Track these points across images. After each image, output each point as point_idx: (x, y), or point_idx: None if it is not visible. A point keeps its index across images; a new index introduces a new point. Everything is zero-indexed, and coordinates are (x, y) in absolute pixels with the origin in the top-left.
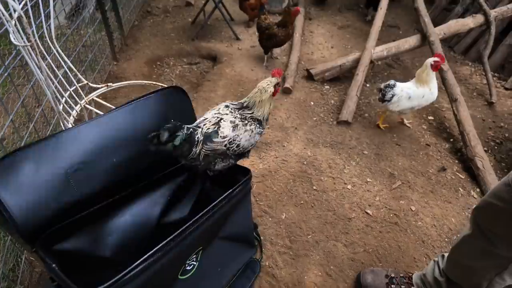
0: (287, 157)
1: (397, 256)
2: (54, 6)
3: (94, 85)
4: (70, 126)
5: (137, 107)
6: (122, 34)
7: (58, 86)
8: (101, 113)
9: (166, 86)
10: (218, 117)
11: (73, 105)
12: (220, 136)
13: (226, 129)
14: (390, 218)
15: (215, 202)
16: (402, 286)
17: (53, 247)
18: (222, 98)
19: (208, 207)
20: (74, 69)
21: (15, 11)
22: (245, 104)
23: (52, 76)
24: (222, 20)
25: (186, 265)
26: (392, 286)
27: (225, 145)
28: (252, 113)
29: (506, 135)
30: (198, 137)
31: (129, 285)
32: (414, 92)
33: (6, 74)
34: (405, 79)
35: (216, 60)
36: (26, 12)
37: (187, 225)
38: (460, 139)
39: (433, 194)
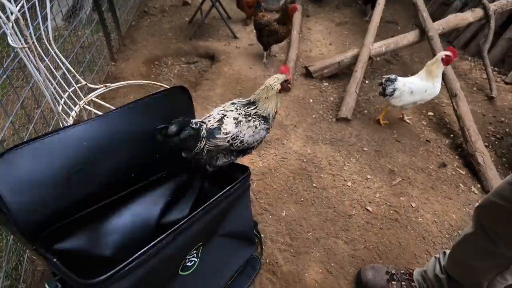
0: (287, 155)
1: (398, 253)
2: (51, 8)
3: (93, 86)
4: None
5: (139, 107)
6: (120, 34)
7: (57, 87)
8: (100, 113)
9: (165, 86)
10: (222, 114)
11: (72, 106)
12: (223, 133)
13: (228, 126)
14: (390, 215)
15: (213, 199)
16: (403, 283)
17: (52, 246)
18: (220, 97)
19: (206, 204)
20: (73, 70)
21: (12, 13)
22: (252, 101)
23: (50, 78)
24: (219, 18)
25: (187, 261)
26: (392, 282)
27: (228, 141)
28: (258, 109)
29: (507, 130)
30: (202, 133)
31: (128, 277)
32: (417, 87)
33: (4, 77)
34: (404, 75)
35: (214, 59)
36: (23, 14)
37: (184, 220)
38: (460, 135)
39: (434, 190)
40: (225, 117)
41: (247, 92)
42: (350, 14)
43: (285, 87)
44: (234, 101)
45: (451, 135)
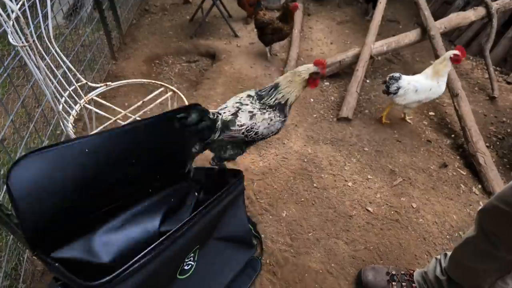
0: (287, 155)
1: (398, 253)
2: (52, 6)
3: (93, 85)
4: (70, 125)
5: (148, 126)
6: (121, 33)
7: (58, 86)
8: (101, 112)
9: (165, 84)
10: (237, 107)
11: (72, 104)
12: (238, 125)
13: (243, 118)
14: (391, 215)
15: (209, 201)
16: (403, 283)
17: (52, 252)
18: (221, 96)
19: (202, 207)
20: (73, 68)
21: (12, 11)
22: (274, 84)
23: (51, 76)
24: (220, 17)
25: (184, 265)
26: (393, 283)
27: (243, 133)
28: (277, 92)
29: (508, 130)
30: (218, 124)
31: (129, 280)
32: (422, 85)
33: (5, 75)
34: (405, 74)
35: (215, 58)
36: (24, 12)
37: (183, 223)
38: (462, 135)
39: (434, 191)
40: (240, 111)
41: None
42: (351, 13)
43: (314, 80)
44: (251, 93)
45: (452, 135)
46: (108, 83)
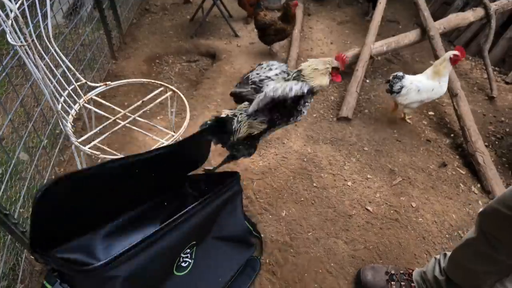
0: (287, 154)
1: (398, 253)
2: (51, 5)
3: (93, 84)
4: (69, 125)
5: (170, 152)
6: (121, 32)
7: (57, 86)
8: (100, 112)
9: (165, 84)
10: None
11: (72, 104)
12: (271, 90)
13: (271, 85)
14: (390, 215)
15: (204, 198)
16: (402, 283)
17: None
18: (221, 96)
19: (197, 202)
20: (73, 68)
21: (11, 11)
22: (297, 70)
23: (50, 76)
24: (220, 17)
25: (181, 261)
26: (392, 283)
27: (276, 98)
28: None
29: (507, 129)
30: (234, 126)
31: (123, 266)
32: (424, 85)
33: (4, 74)
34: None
35: (215, 58)
36: (23, 11)
37: (177, 216)
38: (461, 134)
39: (434, 190)
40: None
41: None
42: (351, 13)
43: (333, 74)
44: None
45: (452, 135)
46: (107, 82)
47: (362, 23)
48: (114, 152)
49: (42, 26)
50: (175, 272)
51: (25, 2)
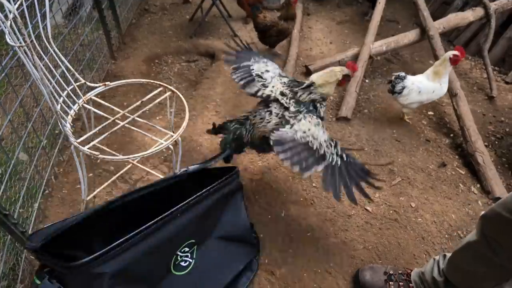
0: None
1: (397, 253)
2: (50, 6)
3: (92, 84)
4: (68, 125)
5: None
6: (120, 32)
7: (56, 86)
8: (100, 112)
9: (164, 84)
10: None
11: (71, 104)
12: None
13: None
14: (389, 215)
15: (199, 193)
16: (400, 283)
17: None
18: (221, 96)
19: (191, 197)
20: (72, 68)
21: (10, 12)
22: (308, 83)
23: (49, 76)
24: (219, 17)
25: (179, 259)
26: (390, 283)
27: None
28: (312, 89)
29: (507, 129)
30: (247, 129)
31: (113, 261)
32: (425, 87)
33: (3, 75)
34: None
35: (214, 58)
36: (22, 12)
37: (170, 212)
38: (460, 134)
39: (433, 190)
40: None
41: None
42: (350, 12)
43: (344, 81)
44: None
45: (451, 135)
46: (106, 82)
47: (361, 23)
48: (113, 152)
49: (41, 26)
50: (173, 271)
51: (24, 2)
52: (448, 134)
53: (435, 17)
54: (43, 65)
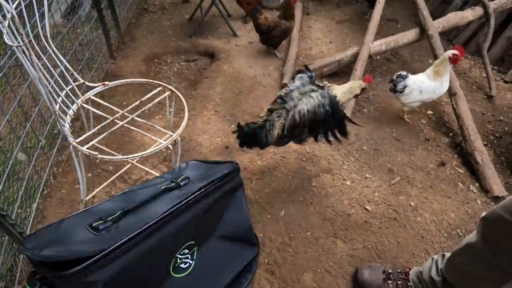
0: (286, 154)
1: (396, 252)
2: (49, 5)
3: (91, 84)
4: (66, 125)
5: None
6: (119, 32)
7: (54, 86)
8: (99, 112)
9: (164, 84)
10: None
11: (69, 104)
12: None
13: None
14: (389, 214)
15: (198, 191)
16: (398, 282)
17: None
18: (220, 95)
19: (190, 196)
20: (70, 68)
21: (8, 11)
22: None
23: (48, 76)
24: (219, 16)
25: (179, 261)
26: (389, 281)
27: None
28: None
29: (506, 128)
30: (267, 129)
31: (106, 268)
32: (426, 86)
33: (1, 74)
34: None
35: (213, 57)
36: (20, 11)
37: (167, 212)
38: (460, 134)
39: (432, 189)
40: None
41: (246, 91)
42: (350, 12)
43: (361, 93)
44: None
45: (450, 134)
46: (105, 82)
47: (361, 22)
48: (112, 152)
49: (39, 26)
50: (172, 274)
51: (22, 2)
52: (447, 133)
53: (434, 16)
54: (41, 65)
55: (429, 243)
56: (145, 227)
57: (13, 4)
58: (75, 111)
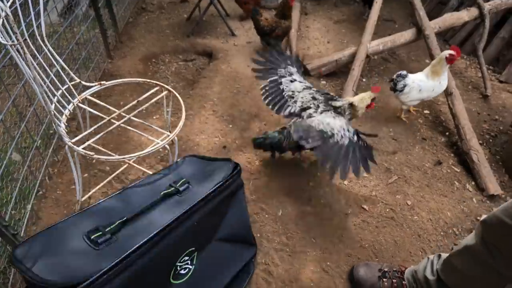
0: (284, 153)
1: (393, 251)
2: (46, 4)
3: (87, 84)
4: (62, 125)
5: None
6: (116, 31)
7: (50, 85)
8: (95, 112)
9: (161, 84)
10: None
11: (65, 104)
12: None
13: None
14: (386, 213)
15: (202, 197)
16: (393, 280)
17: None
18: (218, 95)
19: (193, 204)
20: (66, 67)
21: (2, 10)
22: (339, 106)
23: (43, 75)
24: (217, 16)
25: (179, 269)
26: (384, 279)
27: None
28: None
29: (501, 128)
30: (285, 136)
31: (108, 285)
32: (425, 85)
33: None
34: None
35: (211, 57)
36: (15, 10)
37: (169, 222)
38: (456, 133)
39: (429, 188)
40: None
41: (244, 90)
42: (348, 12)
43: (372, 104)
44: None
45: (447, 133)
46: (102, 82)
47: (358, 22)
48: (109, 152)
49: (35, 25)
50: (172, 281)
51: (17, 1)
52: (443, 133)
53: (431, 17)
54: (37, 64)
55: (425, 242)
56: (146, 239)
57: (7, 2)
58: (71, 111)
